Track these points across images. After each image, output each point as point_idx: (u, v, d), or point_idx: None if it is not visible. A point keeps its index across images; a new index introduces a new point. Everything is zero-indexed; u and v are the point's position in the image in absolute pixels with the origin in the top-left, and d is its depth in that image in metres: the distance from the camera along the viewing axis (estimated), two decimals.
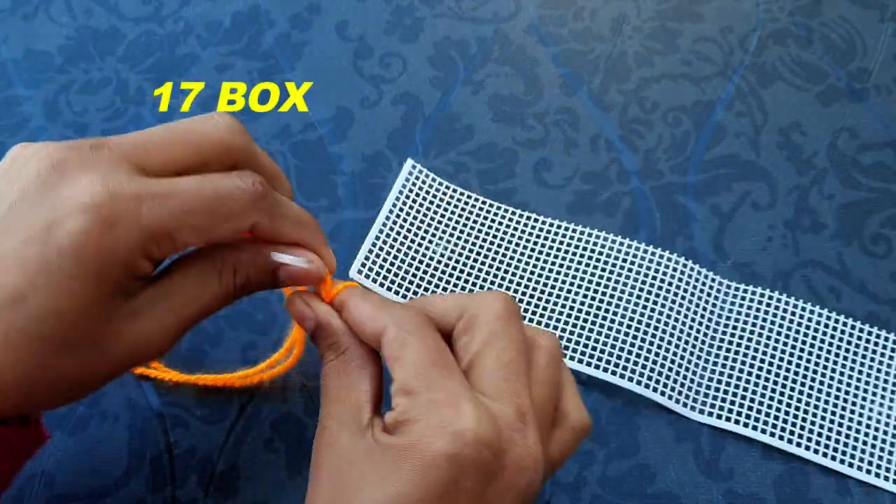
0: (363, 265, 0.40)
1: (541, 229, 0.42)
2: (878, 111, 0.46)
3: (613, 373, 0.38)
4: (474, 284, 0.41)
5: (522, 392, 0.25)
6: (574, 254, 0.41)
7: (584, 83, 0.47)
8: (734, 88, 0.47)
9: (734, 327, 0.40)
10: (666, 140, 0.45)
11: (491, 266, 0.41)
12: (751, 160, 0.45)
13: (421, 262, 0.41)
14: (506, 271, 0.41)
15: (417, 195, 0.43)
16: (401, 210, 0.42)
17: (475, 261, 0.41)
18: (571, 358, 0.38)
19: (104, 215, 0.23)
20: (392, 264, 0.40)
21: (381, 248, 0.40)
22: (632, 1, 0.50)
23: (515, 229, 0.42)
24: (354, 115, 0.46)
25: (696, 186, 0.44)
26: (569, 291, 0.40)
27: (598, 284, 0.40)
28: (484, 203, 0.43)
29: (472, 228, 0.42)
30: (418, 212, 0.42)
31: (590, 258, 0.41)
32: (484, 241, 0.42)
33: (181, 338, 0.27)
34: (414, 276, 0.41)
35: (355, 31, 0.49)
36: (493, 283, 0.41)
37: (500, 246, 0.42)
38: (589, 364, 0.38)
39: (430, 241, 0.42)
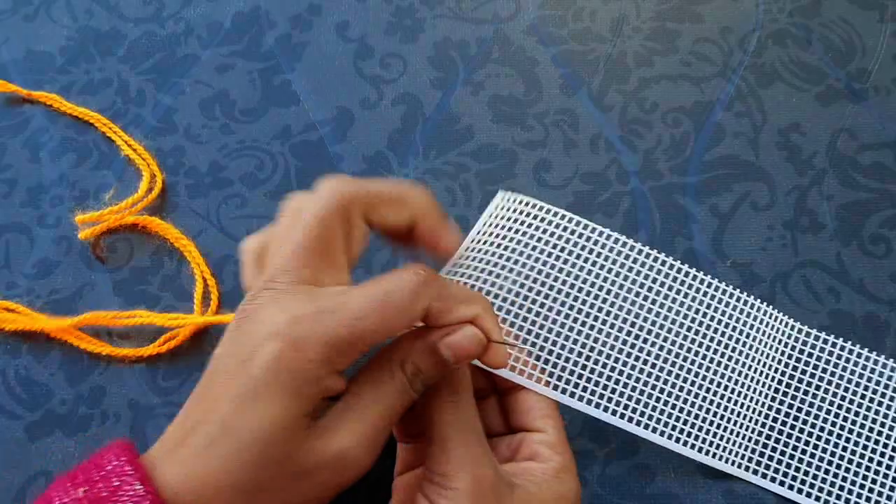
0: None
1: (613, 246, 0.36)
2: (878, 112, 0.46)
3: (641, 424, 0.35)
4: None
5: None
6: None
7: (583, 83, 0.47)
8: (734, 89, 0.47)
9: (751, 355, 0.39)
10: (665, 140, 0.45)
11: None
12: (750, 160, 0.45)
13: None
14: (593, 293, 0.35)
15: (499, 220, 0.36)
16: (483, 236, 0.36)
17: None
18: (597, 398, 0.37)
19: (291, 339, 0.26)
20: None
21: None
22: (632, 1, 0.50)
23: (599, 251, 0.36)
24: (355, 116, 0.46)
25: (695, 187, 0.44)
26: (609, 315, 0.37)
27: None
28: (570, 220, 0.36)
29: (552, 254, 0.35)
30: (492, 245, 0.35)
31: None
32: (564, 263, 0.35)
33: (380, 447, 0.28)
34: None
35: (355, 31, 0.49)
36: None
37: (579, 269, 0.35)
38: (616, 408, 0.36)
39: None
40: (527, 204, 0.36)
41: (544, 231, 0.36)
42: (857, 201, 0.43)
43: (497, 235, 0.36)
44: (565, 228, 0.36)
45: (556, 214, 0.36)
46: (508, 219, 0.36)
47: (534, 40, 0.49)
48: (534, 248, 0.36)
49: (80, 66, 0.48)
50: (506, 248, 0.35)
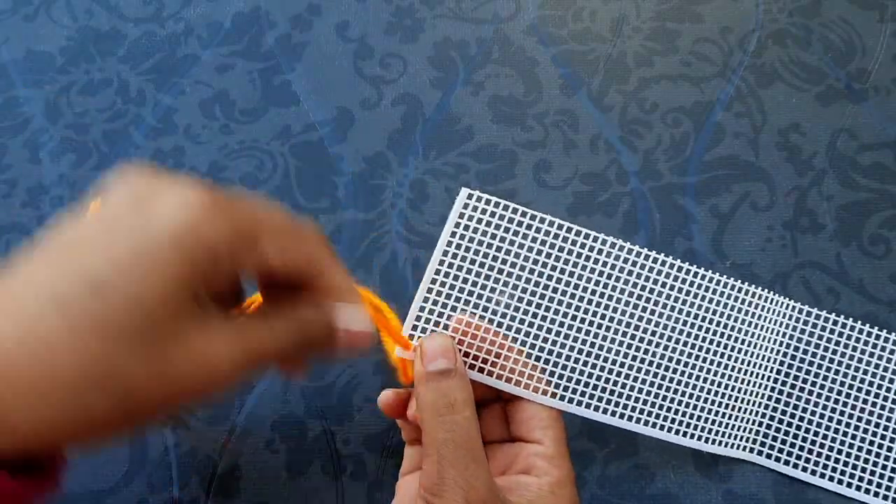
0: (415, 326, 0.33)
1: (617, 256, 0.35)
2: (877, 112, 0.46)
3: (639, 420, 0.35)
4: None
5: None
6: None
7: (583, 84, 0.47)
8: (733, 89, 0.47)
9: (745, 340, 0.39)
10: (665, 141, 0.45)
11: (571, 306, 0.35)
12: (750, 161, 0.45)
13: (484, 310, 0.34)
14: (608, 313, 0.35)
15: (475, 230, 0.34)
16: (457, 249, 0.34)
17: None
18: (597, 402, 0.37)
19: (204, 205, 0.24)
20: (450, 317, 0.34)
21: (434, 302, 0.33)
22: (632, 1, 0.50)
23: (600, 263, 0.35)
24: (355, 116, 0.46)
25: (695, 187, 0.44)
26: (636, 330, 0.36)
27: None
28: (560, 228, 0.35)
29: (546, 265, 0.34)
30: (476, 252, 0.34)
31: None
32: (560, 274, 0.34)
33: (244, 377, 0.26)
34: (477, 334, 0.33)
35: (355, 31, 0.49)
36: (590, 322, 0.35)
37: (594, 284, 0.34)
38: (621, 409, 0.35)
39: (496, 285, 0.34)
40: (514, 211, 0.34)
41: (539, 241, 0.35)
42: (856, 201, 0.44)
43: (481, 244, 0.34)
44: (558, 237, 0.35)
45: (542, 221, 0.34)
46: (496, 226, 0.34)
47: (534, 40, 0.49)
48: (535, 261, 0.35)
49: (80, 66, 0.48)
50: (495, 258, 0.34)
